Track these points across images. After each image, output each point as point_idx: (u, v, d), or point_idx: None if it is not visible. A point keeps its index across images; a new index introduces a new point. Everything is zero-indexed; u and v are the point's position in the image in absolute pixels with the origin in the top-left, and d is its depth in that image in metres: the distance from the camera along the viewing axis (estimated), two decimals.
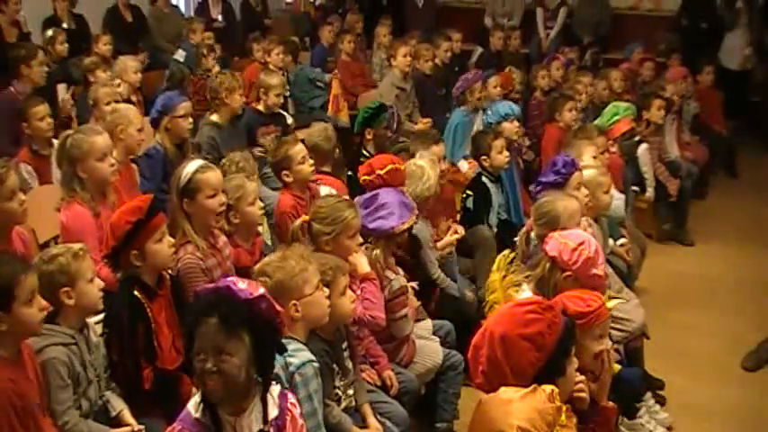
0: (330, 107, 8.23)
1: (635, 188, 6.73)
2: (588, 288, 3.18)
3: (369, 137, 5.71)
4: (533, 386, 2.46)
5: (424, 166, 4.63)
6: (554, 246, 3.37)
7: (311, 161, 4.88)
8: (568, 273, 3.30)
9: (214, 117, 6.03)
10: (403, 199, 4.10)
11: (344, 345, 3.44)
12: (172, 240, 3.57)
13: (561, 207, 3.95)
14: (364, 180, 4.39)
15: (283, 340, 2.92)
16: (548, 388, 2.47)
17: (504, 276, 3.53)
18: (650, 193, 6.93)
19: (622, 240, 5.36)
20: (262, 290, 2.55)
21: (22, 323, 2.85)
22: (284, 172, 4.81)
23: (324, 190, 4.94)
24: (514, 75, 7.97)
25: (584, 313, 2.88)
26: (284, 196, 4.80)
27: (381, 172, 4.34)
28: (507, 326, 2.53)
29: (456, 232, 4.98)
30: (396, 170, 4.36)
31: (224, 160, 4.82)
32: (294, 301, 3.05)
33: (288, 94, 7.81)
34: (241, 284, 2.50)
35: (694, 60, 9.32)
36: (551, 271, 3.35)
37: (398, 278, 3.96)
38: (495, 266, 3.61)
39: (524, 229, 4.14)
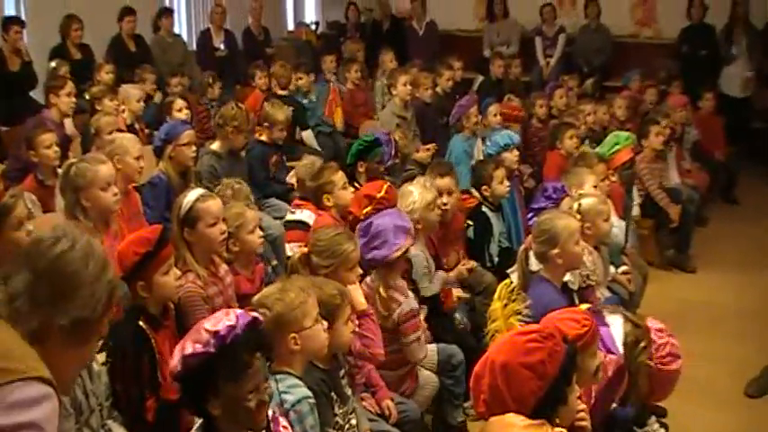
0: (326, 109, 8.59)
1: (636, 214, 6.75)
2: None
3: (361, 170, 5.62)
4: (542, 421, 2.47)
5: (413, 191, 4.68)
6: (657, 333, 3.35)
7: (351, 189, 5.02)
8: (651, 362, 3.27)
9: (215, 146, 6.06)
10: (396, 221, 4.09)
11: (342, 372, 3.43)
12: (178, 273, 3.59)
13: (561, 225, 3.99)
14: (366, 213, 4.43)
15: (279, 376, 2.96)
16: (558, 430, 2.48)
17: (506, 305, 3.54)
18: (636, 210, 6.83)
19: (624, 268, 5.37)
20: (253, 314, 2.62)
21: None
22: (326, 196, 4.93)
23: (306, 214, 5.06)
24: (515, 103, 8.01)
25: (582, 335, 2.90)
26: (322, 217, 4.87)
27: (380, 194, 4.49)
28: (508, 354, 2.54)
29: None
30: (390, 188, 4.60)
31: (219, 185, 4.88)
32: (293, 334, 3.02)
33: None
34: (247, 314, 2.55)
35: (695, 87, 9.38)
36: (645, 350, 3.27)
37: (408, 301, 3.96)
38: (496, 295, 3.62)
39: (523, 248, 4.14)
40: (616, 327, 3.73)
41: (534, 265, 4.09)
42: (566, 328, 2.86)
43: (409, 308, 3.93)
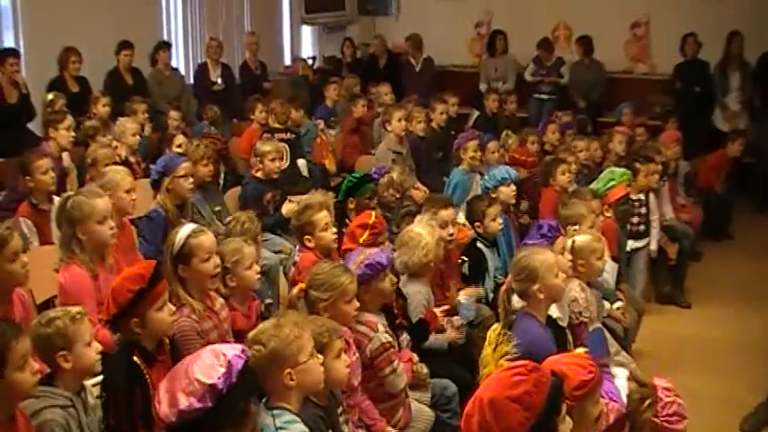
0: (314, 155, 8.54)
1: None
2: None
3: (351, 206, 5.63)
4: None
5: (422, 233, 4.65)
6: (664, 392, 3.38)
7: (334, 229, 4.93)
8: (656, 419, 3.30)
9: None
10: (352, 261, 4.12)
11: (340, 409, 3.43)
12: (173, 308, 3.57)
13: (538, 261, 3.98)
14: (364, 241, 4.53)
15: (275, 411, 2.95)
16: None
17: (495, 348, 3.56)
18: (654, 245, 6.96)
19: (618, 304, 5.37)
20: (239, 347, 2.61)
21: (15, 388, 2.84)
22: (306, 237, 4.84)
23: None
24: (511, 140, 8.05)
25: (587, 381, 2.91)
26: (306, 255, 4.81)
27: (372, 220, 4.63)
28: (495, 390, 2.56)
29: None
30: (378, 214, 4.82)
31: (229, 219, 4.90)
32: (289, 370, 3.02)
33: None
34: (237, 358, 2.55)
35: (688, 123, 9.49)
36: (651, 407, 3.29)
37: (378, 335, 3.94)
38: (486, 341, 3.65)
39: (504, 288, 4.12)
40: (621, 378, 3.77)
41: (517, 303, 4.09)
42: (571, 374, 2.88)
43: (379, 342, 3.91)
